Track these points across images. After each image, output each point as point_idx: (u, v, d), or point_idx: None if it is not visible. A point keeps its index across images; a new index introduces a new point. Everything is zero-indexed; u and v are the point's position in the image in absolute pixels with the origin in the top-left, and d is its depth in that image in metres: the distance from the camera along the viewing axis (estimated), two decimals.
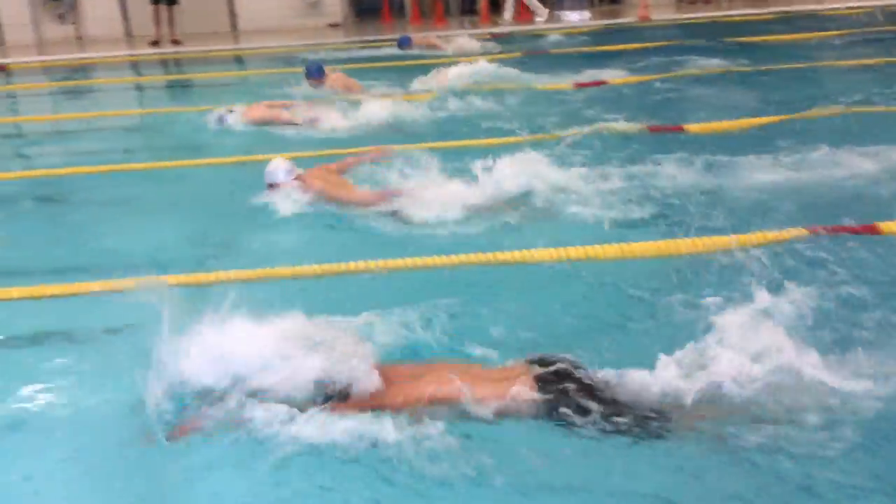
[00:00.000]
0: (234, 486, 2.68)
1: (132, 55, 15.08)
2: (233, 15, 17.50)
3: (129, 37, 16.98)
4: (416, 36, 12.42)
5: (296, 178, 5.41)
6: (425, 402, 2.84)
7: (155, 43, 15.44)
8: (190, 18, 16.39)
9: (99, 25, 17.20)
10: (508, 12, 15.92)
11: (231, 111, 7.96)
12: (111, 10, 17.18)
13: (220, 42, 15.59)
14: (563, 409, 2.80)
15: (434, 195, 5.20)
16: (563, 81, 9.26)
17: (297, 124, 7.75)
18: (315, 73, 9.04)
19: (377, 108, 7.88)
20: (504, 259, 4.42)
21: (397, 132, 7.37)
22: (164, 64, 14.44)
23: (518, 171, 5.38)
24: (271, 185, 5.41)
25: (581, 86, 9.01)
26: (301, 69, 9.62)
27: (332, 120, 7.70)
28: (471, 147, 6.56)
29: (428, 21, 16.68)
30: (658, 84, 8.78)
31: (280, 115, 7.91)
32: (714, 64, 9.69)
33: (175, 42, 15.35)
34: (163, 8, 15.26)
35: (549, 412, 2.82)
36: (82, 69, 14.09)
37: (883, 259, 4.03)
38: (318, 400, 2.82)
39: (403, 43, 12.04)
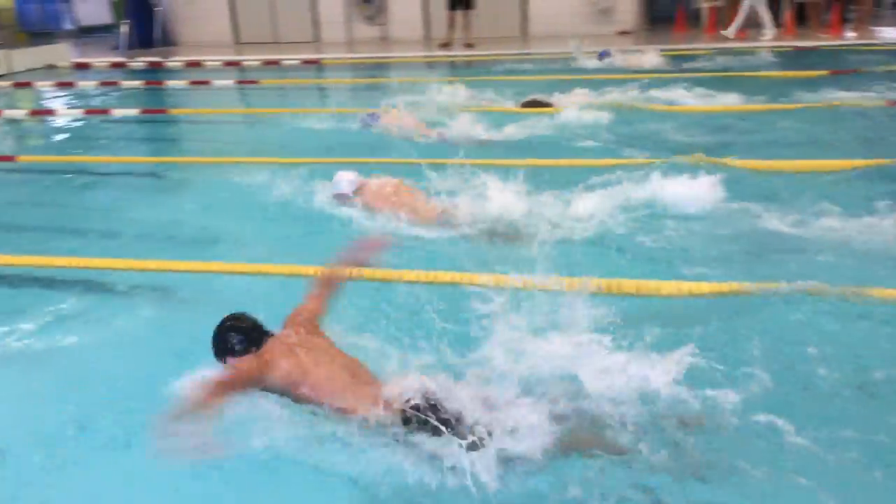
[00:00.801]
0: None
1: (427, 56, 15.89)
2: (525, 20, 17.83)
3: (429, 39, 17.92)
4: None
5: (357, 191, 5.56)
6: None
7: (445, 45, 16.15)
8: (485, 24, 16.99)
9: (403, 28, 18.37)
10: (732, 28, 15.02)
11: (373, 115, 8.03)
12: (415, 14, 18.25)
13: (511, 47, 15.91)
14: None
15: None
16: (874, 99, 8.34)
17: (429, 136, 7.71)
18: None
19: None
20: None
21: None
22: (453, 65, 15.00)
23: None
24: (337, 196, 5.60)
25: (894, 104, 8.06)
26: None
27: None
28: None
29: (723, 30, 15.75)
30: None
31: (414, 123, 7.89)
32: None
33: (468, 46, 15.94)
34: (459, 13, 15.95)
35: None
36: (380, 67, 15.08)
37: None
38: None
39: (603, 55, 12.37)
